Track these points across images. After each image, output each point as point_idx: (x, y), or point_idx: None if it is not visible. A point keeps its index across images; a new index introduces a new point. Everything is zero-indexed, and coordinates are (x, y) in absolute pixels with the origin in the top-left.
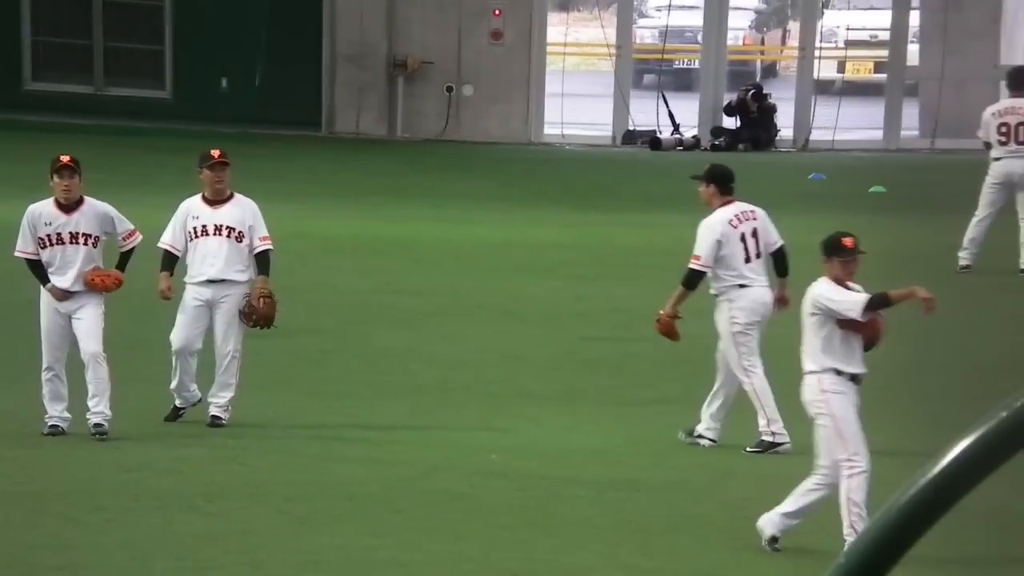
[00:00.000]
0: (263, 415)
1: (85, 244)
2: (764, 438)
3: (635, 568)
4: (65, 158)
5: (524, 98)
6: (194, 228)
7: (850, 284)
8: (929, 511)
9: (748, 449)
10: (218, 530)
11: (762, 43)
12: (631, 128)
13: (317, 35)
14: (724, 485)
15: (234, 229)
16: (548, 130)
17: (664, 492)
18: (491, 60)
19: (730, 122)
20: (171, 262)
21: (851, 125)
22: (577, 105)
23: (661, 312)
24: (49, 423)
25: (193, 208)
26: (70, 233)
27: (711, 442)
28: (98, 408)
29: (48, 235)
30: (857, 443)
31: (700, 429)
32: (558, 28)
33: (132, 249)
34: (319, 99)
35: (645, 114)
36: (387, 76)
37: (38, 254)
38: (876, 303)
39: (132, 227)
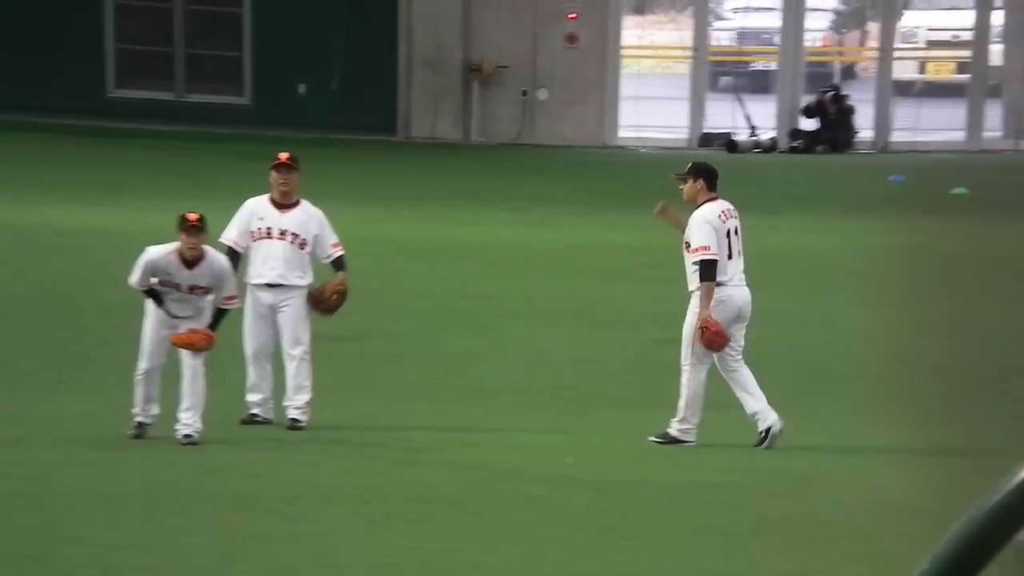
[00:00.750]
0: (339, 418)
1: (201, 295)
2: (669, 431)
3: (714, 573)
4: (193, 216)
5: (599, 101)
6: (258, 229)
7: None
8: (1016, 516)
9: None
10: (297, 532)
11: (840, 44)
12: (707, 131)
13: (393, 41)
14: (804, 489)
15: (297, 235)
16: (623, 133)
17: (743, 495)
18: (566, 64)
19: (808, 124)
20: (234, 259)
21: (932, 126)
22: (652, 108)
23: (705, 321)
24: (136, 419)
25: (259, 209)
26: (189, 286)
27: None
28: (190, 420)
29: (165, 283)
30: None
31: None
32: (633, 31)
33: (228, 311)
34: (395, 104)
35: (721, 116)
36: (462, 81)
37: (152, 287)
38: None
39: (236, 293)
